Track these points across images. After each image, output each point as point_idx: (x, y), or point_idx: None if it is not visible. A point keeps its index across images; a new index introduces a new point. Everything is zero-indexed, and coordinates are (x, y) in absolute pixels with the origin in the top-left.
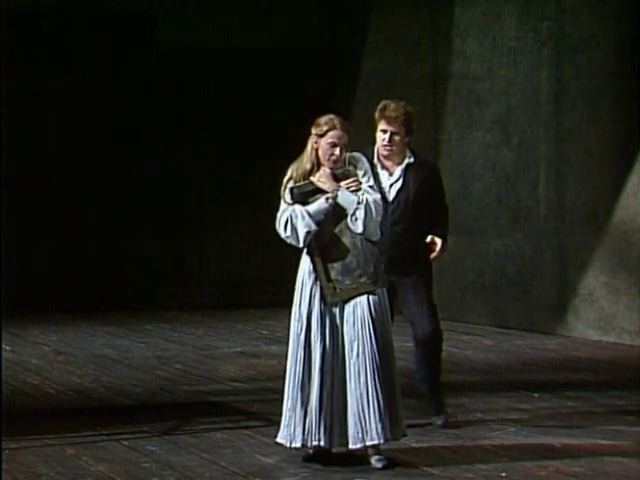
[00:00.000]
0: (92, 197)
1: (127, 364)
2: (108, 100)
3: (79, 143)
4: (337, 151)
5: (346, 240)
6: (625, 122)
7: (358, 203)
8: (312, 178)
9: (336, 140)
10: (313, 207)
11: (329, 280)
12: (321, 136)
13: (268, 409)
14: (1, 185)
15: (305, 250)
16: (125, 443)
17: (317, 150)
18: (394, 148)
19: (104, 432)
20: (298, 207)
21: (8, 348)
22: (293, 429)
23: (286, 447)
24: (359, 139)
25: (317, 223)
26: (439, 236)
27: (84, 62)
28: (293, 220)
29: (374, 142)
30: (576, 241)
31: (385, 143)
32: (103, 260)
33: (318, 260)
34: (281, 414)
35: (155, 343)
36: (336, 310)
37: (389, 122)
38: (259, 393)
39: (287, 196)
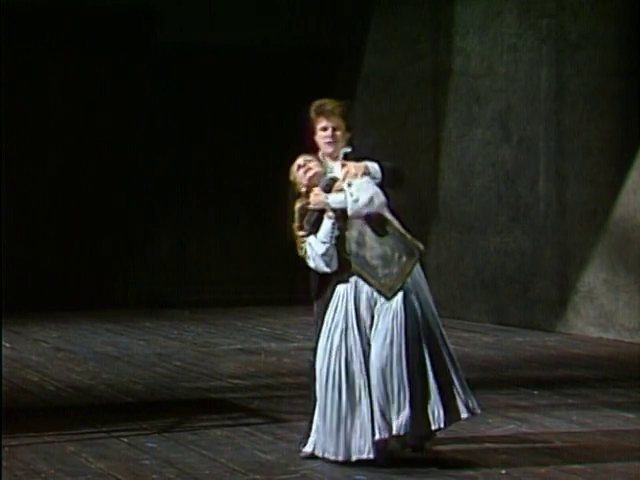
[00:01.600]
0: (92, 195)
1: (127, 361)
2: (108, 98)
3: (80, 141)
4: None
5: (370, 235)
6: (625, 119)
7: (348, 191)
8: (310, 206)
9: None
10: (321, 233)
11: (379, 278)
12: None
13: (268, 406)
14: (1, 185)
15: (339, 272)
16: (125, 440)
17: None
18: (338, 142)
19: (104, 429)
20: (311, 238)
21: (8, 345)
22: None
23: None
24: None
25: (335, 239)
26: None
27: (85, 59)
28: (311, 252)
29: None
30: (576, 238)
31: (327, 145)
32: (103, 258)
33: (359, 269)
34: (280, 411)
35: (155, 340)
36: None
37: (328, 118)
38: (259, 390)
39: (301, 233)
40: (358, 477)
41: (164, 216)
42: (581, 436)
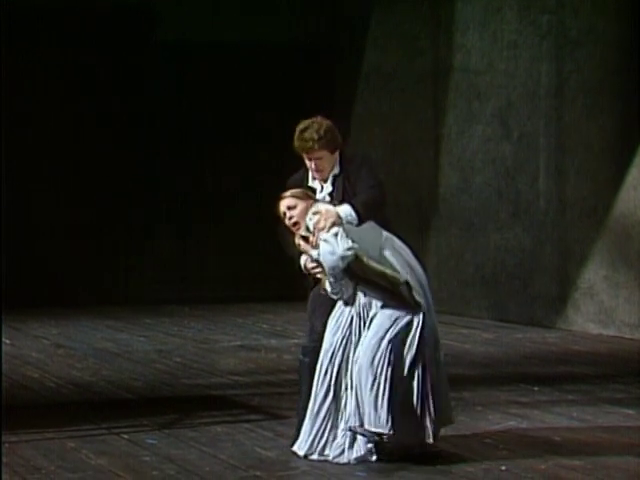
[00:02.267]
0: (93, 192)
1: (127, 358)
2: (108, 96)
3: (80, 139)
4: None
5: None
6: (625, 116)
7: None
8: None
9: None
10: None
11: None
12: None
13: (268, 403)
14: (1, 182)
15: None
16: (125, 436)
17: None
18: (325, 169)
19: (104, 426)
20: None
21: (8, 342)
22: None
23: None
24: (359, 134)
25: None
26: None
27: (84, 58)
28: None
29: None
30: (576, 235)
31: (315, 173)
32: (103, 254)
33: None
34: (280, 407)
35: (155, 337)
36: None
37: (308, 152)
38: (259, 387)
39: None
40: (358, 474)
41: (164, 213)
42: (581, 432)
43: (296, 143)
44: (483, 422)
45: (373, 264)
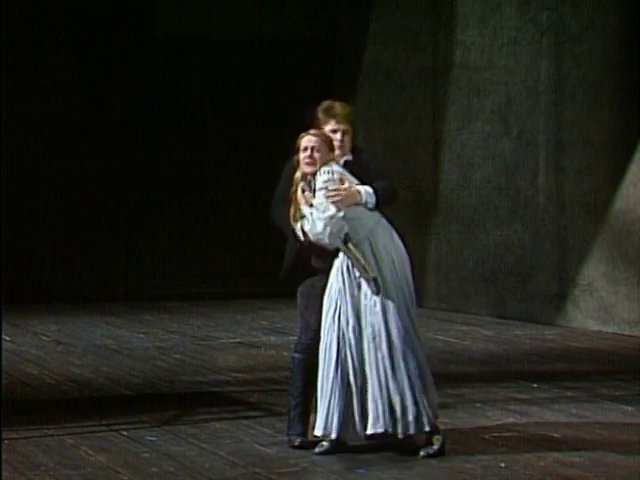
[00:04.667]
0: (92, 189)
1: (127, 354)
2: (108, 94)
3: (80, 136)
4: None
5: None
6: (625, 112)
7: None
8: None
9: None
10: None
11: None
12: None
13: (267, 399)
14: (1, 179)
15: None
16: (124, 433)
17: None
18: (344, 147)
19: (103, 422)
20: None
21: (8, 338)
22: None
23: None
24: (359, 130)
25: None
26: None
27: (83, 55)
28: (317, 215)
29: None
30: (575, 231)
31: (338, 144)
32: (103, 251)
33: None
34: (280, 404)
35: (154, 333)
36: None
37: (339, 121)
38: (258, 383)
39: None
40: (358, 470)
41: (164, 209)
42: (580, 429)
43: (325, 112)
44: (482, 419)
45: (354, 250)
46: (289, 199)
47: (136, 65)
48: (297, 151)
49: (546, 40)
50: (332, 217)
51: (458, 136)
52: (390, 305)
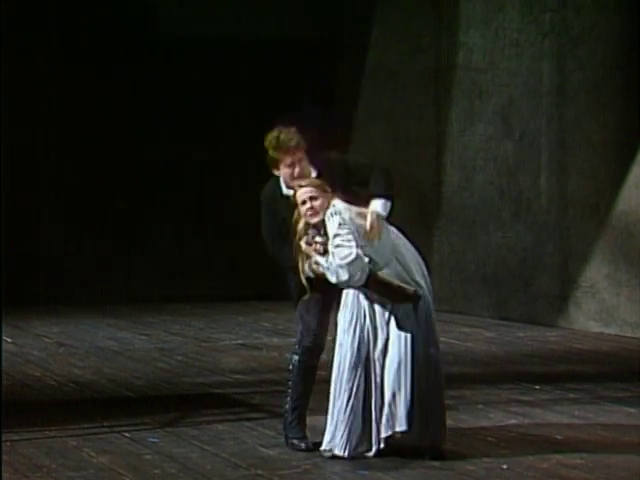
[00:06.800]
0: (94, 190)
1: (129, 356)
2: (108, 94)
3: (81, 137)
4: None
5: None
6: (627, 113)
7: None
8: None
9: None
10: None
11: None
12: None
13: (270, 401)
14: (1, 180)
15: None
16: (127, 435)
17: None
18: (305, 169)
19: (105, 424)
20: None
21: (9, 340)
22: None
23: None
24: (361, 132)
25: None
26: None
27: (84, 55)
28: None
29: (272, 174)
30: (578, 233)
31: (297, 175)
32: (105, 252)
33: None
34: (282, 406)
35: (157, 335)
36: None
37: (292, 152)
38: (261, 385)
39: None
40: (360, 472)
41: (165, 210)
42: (583, 430)
43: (275, 148)
44: (484, 420)
45: (384, 277)
46: (290, 240)
47: (137, 65)
48: (295, 205)
49: (548, 42)
50: (352, 261)
51: (460, 138)
52: (426, 311)
